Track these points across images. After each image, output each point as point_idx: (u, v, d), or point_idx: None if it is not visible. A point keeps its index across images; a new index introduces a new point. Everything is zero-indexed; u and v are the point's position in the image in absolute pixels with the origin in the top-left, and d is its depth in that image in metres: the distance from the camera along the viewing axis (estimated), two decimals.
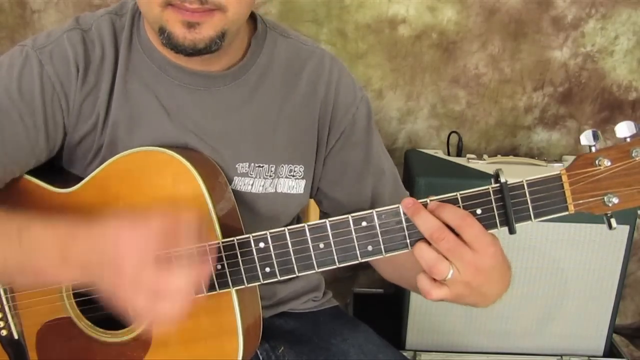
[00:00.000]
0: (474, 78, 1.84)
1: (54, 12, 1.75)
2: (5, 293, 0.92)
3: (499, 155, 1.71)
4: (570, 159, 1.70)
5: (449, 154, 1.78)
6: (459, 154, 1.77)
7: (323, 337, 1.06)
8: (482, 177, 1.56)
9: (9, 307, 0.93)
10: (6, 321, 0.93)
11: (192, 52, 0.85)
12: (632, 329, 2.06)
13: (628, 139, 0.71)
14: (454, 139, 1.80)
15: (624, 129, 0.70)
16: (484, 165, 1.65)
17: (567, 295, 1.63)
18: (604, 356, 1.68)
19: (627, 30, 1.80)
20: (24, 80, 0.89)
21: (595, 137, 0.71)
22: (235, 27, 0.87)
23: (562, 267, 1.61)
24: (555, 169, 1.60)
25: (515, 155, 1.82)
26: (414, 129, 1.90)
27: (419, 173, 1.58)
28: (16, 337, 0.94)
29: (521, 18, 1.78)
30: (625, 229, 1.56)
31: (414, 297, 1.65)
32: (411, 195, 1.08)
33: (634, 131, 0.70)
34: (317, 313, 1.13)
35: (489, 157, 1.68)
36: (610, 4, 1.77)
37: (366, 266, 0.94)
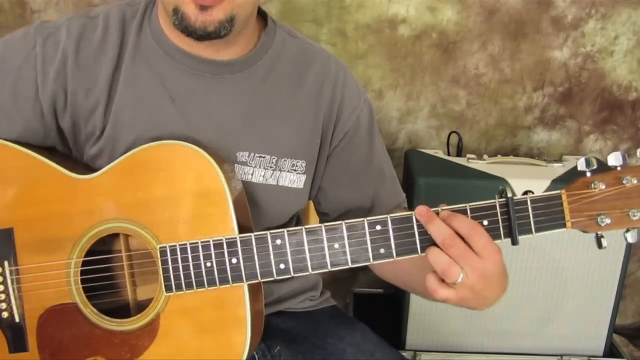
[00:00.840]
0: (474, 78, 1.84)
1: (54, 12, 1.75)
2: (11, 274, 0.92)
3: (499, 155, 1.71)
4: (570, 159, 1.70)
5: (449, 154, 1.78)
6: (459, 154, 1.77)
7: (320, 337, 1.06)
8: (482, 177, 1.56)
9: (13, 288, 0.92)
10: (9, 303, 0.92)
11: (202, 34, 0.87)
12: (632, 329, 2.06)
13: (619, 168, 0.78)
14: (454, 139, 1.80)
15: (613, 160, 0.78)
16: (484, 165, 1.64)
17: (567, 295, 1.63)
18: (604, 356, 1.68)
19: (627, 30, 1.80)
20: (11, 50, 0.95)
21: (589, 164, 0.78)
22: (244, 13, 0.89)
23: (562, 267, 1.61)
24: (555, 169, 1.63)
25: (515, 155, 1.82)
26: (414, 129, 1.90)
27: (419, 173, 1.58)
28: (17, 320, 0.93)
29: (521, 18, 1.78)
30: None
31: (414, 297, 1.64)
32: (409, 195, 1.09)
33: (621, 162, 0.77)
34: (314, 312, 1.14)
35: (489, 157, 1.68)
36: (610, 4, 1.77)
37: (366, 266, 0.94)
